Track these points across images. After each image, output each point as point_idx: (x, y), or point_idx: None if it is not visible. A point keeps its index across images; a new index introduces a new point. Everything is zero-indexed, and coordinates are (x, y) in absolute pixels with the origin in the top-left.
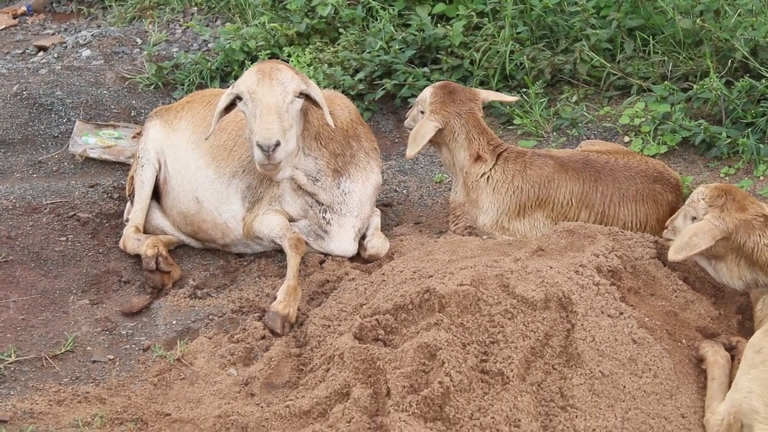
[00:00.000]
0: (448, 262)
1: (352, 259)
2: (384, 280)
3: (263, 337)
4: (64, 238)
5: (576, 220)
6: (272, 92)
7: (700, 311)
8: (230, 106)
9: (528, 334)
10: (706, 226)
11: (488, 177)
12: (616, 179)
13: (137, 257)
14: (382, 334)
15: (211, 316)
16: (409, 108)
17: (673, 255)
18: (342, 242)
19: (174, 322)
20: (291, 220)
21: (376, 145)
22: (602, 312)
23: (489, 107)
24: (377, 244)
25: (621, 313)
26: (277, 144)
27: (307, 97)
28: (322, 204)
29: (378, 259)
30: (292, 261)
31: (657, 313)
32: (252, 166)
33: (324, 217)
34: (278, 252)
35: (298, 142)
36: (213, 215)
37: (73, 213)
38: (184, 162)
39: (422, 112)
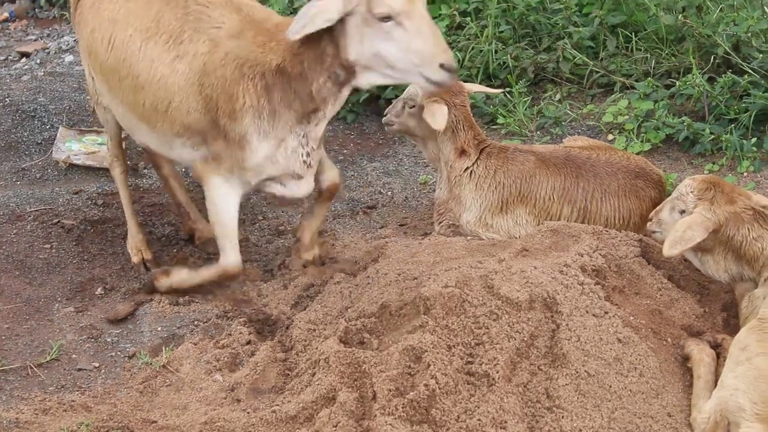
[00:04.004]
0: (433, 263)
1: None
2: (369, 283)
3: (249, 342)
4: (49, 246)
5: (558, 216)
6: (424, 5)
7: (685, 309)
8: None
9: (513, 335)
10: (699, 218)
11: (471, 172)
12: (598, 175)
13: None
14: (367, 338)
15: (196, 322)
16: None
17: (668, 250)
18: (310, 183)
19: (159, 328)
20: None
21: None
22: (587, 312)
23: (472, 107)
24: (332, 175)
25: (606, 313)
26: None
27: None
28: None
29: (337, 189)
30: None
31: (642, 312)
32: None
33: (307, 159)
34: (263, 256)
35: None
36: None
37: (57, 220)
38: None
39: (412, 107)
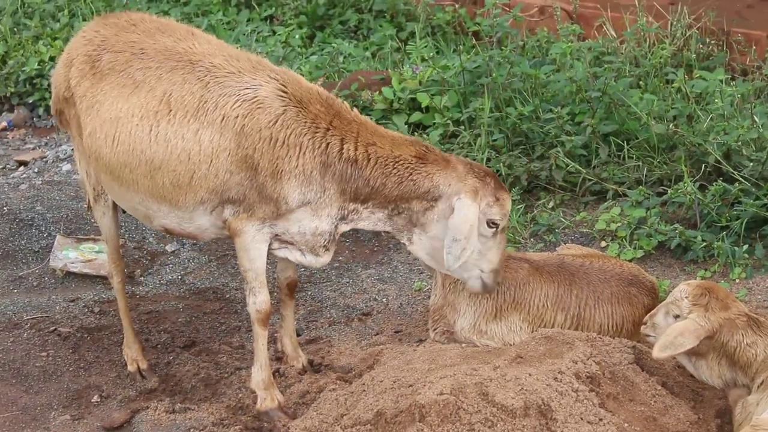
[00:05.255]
0: (428, 371)
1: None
2: (364, 390)
3: None
4: (45, 354)
5: (552, 323)
6: None
7: (679, 416)
8: None
9: None
10: (692, 325)
11: None
12: (591, 282)
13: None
14: None
15: (192, 430)
16: None
17: (657, 353)
18: (328, 259)
19: None
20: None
21: None
22: (582, 419)
23: None
24: (291, 272)
25: (600, 420)
26: None
27: None
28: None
29: (296, 285)
30: (261, 341)
31: (636, 419)
32: None
33: (328, 245)
34: None
35: None
36: None
37: (53, 328)
38: None
39: None
